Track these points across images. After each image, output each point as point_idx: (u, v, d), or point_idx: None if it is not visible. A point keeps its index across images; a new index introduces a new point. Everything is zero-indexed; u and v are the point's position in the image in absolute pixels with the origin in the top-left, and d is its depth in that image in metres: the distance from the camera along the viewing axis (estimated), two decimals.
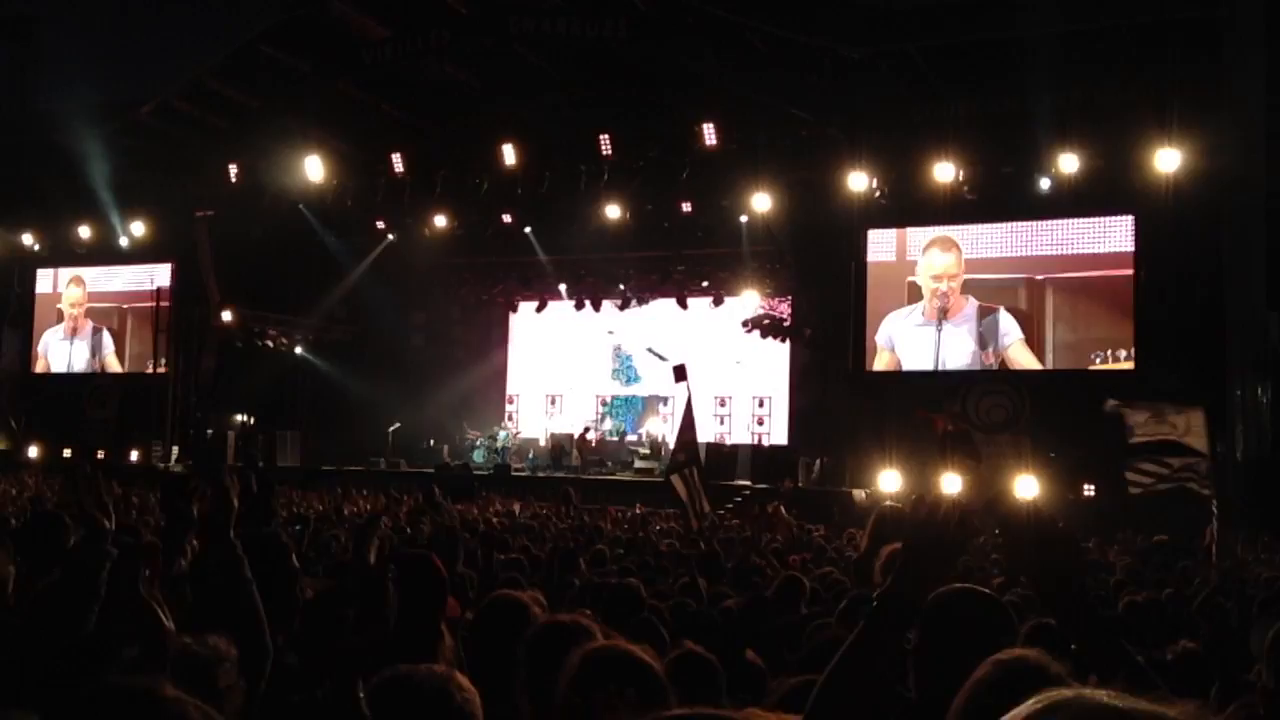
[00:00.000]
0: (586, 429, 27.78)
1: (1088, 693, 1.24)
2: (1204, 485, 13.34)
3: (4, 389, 29.51)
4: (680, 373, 15.93)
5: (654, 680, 2.19)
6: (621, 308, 28.05)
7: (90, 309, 29.58)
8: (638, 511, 16.79)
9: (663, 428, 26.86)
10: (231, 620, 2.80)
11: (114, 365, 28.93)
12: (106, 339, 29.12)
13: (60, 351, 29.78)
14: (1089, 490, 18.51)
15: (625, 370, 29.50)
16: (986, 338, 21.02)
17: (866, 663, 2.07)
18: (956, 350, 21.25)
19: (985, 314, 21.01)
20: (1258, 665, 3.05)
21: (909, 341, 21.66)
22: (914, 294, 21.65)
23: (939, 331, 21.35)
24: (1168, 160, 18.25)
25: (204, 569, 3.23)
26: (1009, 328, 20.81)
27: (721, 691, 3.07)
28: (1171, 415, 14.60)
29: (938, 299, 21.34)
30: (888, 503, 7.89)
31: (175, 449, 26.58)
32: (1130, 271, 19.86)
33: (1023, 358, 20.73)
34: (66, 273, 29.77)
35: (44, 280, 30.19)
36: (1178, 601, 7.15)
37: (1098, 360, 20.16)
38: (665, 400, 27.51)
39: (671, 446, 23.33)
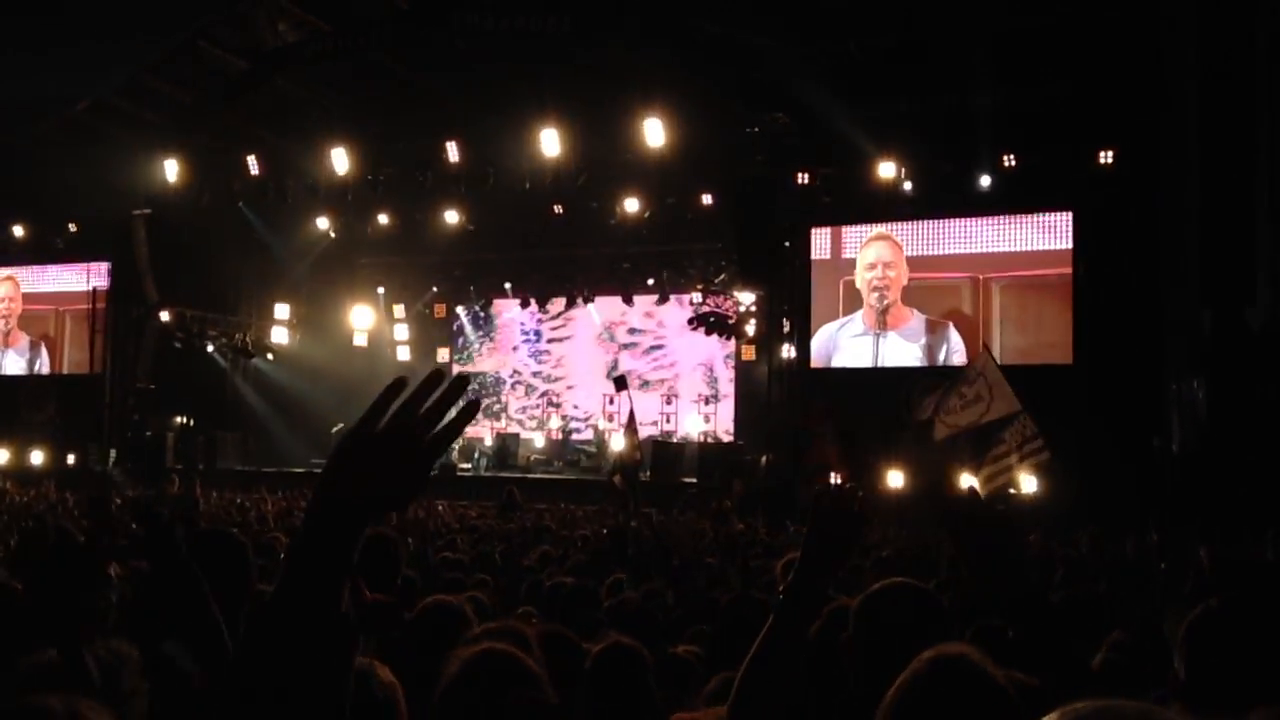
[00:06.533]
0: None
1: (1113, 703, 1.20)
2: (1041, 449, 12.59)
3: None
4: (620, 383, 16.06)
5: (534, 680, 2.25)
6: (567, 305, 27.98)
7: (24, 309, 29.01)
8: (582, 510, 16.76)
9: (608, 425, 26.84)
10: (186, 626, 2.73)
11: (50, 366, 28.41)
12: (43, 341, 28.59)
13: None
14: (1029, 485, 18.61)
15: None
16: (935, 351, 21.11)
17: (781, 654, 2.16)
18: (900, 361, 21.34)
19: (934, 328, 21.08)
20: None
21: (848, 352, 21.75)
22: (851, 300, 21.76)
23: (879, 342, 21.43)
24: (1105, 157, 18.58)
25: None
26: (958, 345, 20.83)
27: (651, 682, 3.07)
28: (966, 387, 13.28)
29: (875, 293, 21.42)
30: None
31: (113, 452, 26.08)
32: (1069, 269, 20.11)
33: None
34: None
35: None
36: (1115, 594, 7.23)
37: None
38: (612, 400, 27.44)
39: (616, 448, 23.40)
